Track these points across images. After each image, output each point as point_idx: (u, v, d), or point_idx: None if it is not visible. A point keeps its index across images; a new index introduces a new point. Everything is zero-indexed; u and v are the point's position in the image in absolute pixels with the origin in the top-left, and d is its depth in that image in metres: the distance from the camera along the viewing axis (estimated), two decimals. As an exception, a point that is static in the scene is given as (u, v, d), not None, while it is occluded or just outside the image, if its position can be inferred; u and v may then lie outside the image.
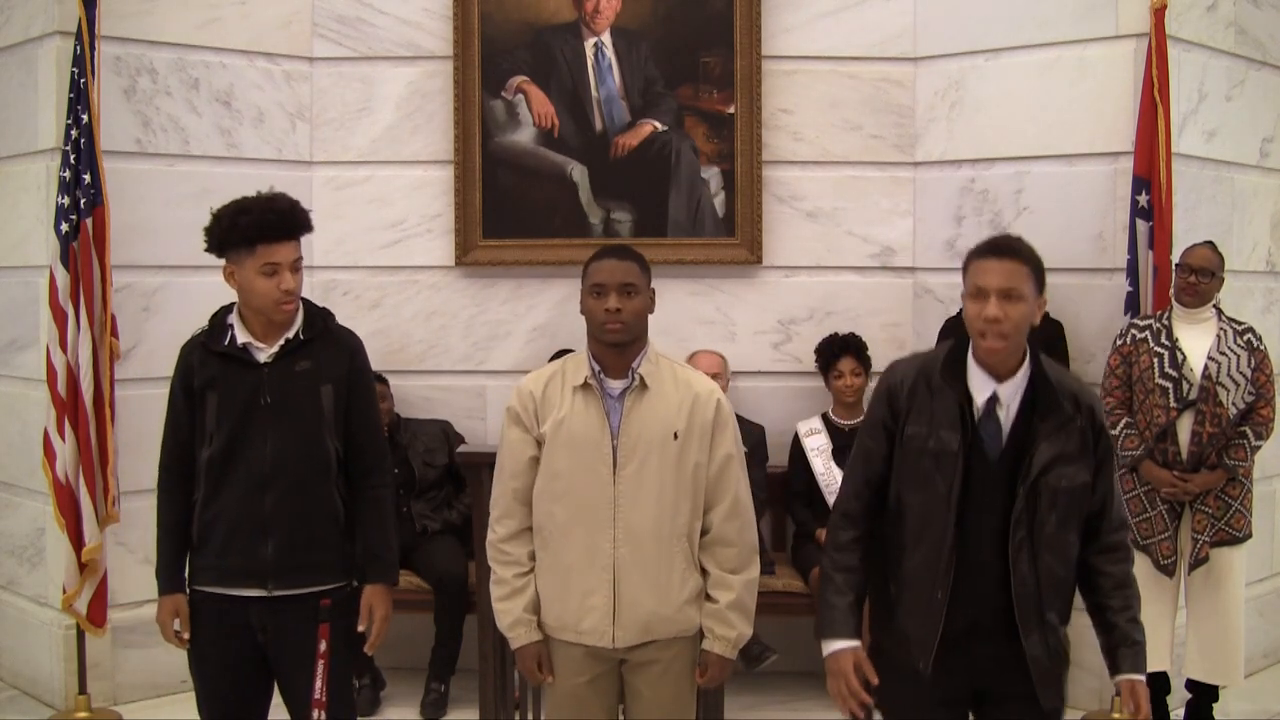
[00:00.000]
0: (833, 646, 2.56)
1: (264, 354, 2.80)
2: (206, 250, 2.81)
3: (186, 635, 2.83)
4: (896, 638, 2.59)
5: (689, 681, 2.80)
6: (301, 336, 2.83)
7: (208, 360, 2.81)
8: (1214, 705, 4.13)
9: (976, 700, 2.61)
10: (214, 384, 2.79)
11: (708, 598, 2.75)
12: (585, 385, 2.72)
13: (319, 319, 2.89)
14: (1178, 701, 4.18)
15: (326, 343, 2.86)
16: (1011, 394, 2.50)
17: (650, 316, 2.77)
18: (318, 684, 2.76)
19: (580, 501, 2.69)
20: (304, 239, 2.84)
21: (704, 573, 2.76)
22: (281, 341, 2.81)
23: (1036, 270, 2.52)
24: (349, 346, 2.92)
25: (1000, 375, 2.50)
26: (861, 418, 4.63)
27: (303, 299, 2.86)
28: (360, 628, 2.88)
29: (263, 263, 2.72)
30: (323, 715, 2.76)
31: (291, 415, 2.79)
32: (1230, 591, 3.96)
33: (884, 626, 2.65)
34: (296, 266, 2.79)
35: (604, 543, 2.68)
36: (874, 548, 2.62)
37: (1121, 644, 2.54)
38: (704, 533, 2.75)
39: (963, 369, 2.53)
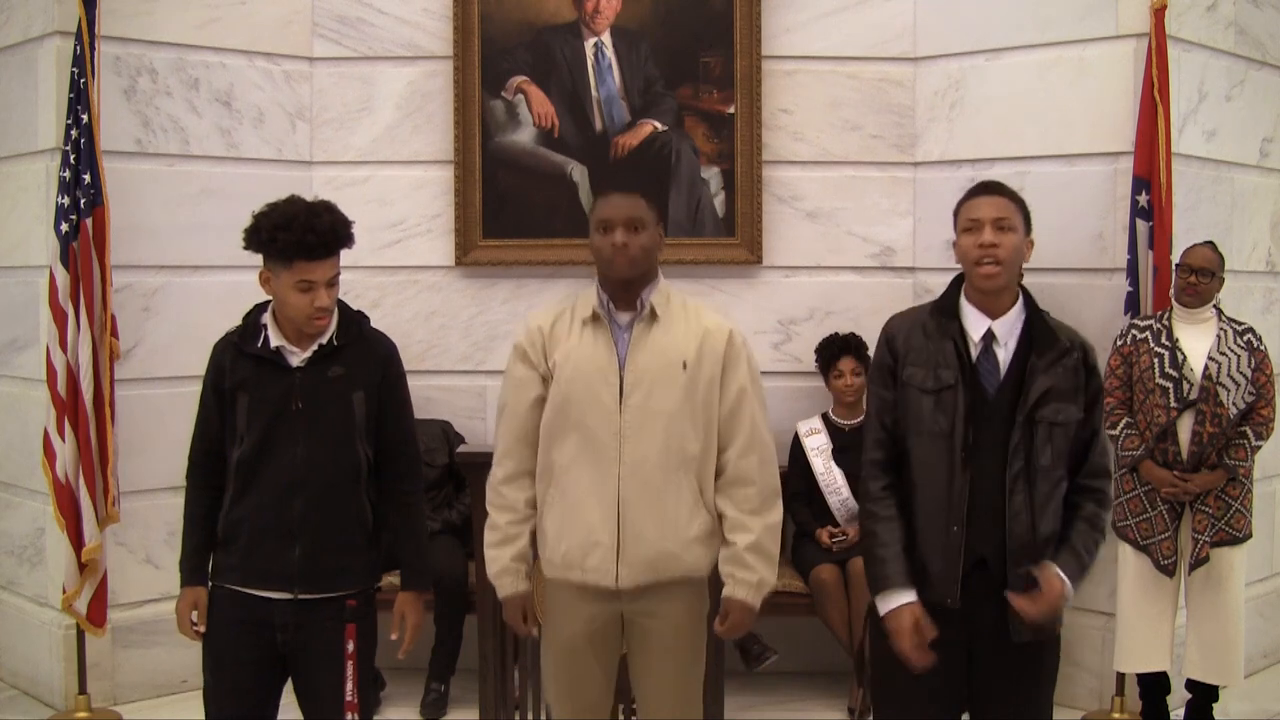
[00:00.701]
0: (888, 603, 2.58)
1: (297, 358, 2.77)
2: (245, 248, 2.78)
3: (203, 628, 2.82)
4: (918, 577, 2.60)
5: (696, 637, 2.74)
6: (335, 342, 2.80)
7: (240, 361, 2.79)
8: (1214, 705, 4.13)
9: (971, 650, 2.61)
10: (245, 385, 2.77)
11: (725, 542, 2.68)
12: (594, 317, 2.69)
13: (354, 324, 2.86)
14: (1177, 701, 4.19)
15: (360, 349, 2.84)
16: (1007, 330, 2.60)
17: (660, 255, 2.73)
18: (349, 685, 2.74)
19: (587, 433, 2.64)
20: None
21: (722, 516, 2.69)
22: (315, 347, 2.78)
23: (1023, 209, 2.63)
24: (383, 353, 2.90)
25: (994, 313, 2.59)
26: (861, 417, 4.65)
27: (339, 301, 2.84)
28: (393, 635, 2.87)
29: (298, 279, 2.70)
30: (356, 717, 2.75)
31: (323, 422, 2.77)
32: (1230, 591, 3.96)
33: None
34: (333, 283, 2.76)
35: (609, 476, 2.63)
36: (903, 497, 2.65)
37: (1064, 550, 2.56)
38: (721, 473, 2.69)
39: (957, 310, 2.63)
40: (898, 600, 2.57)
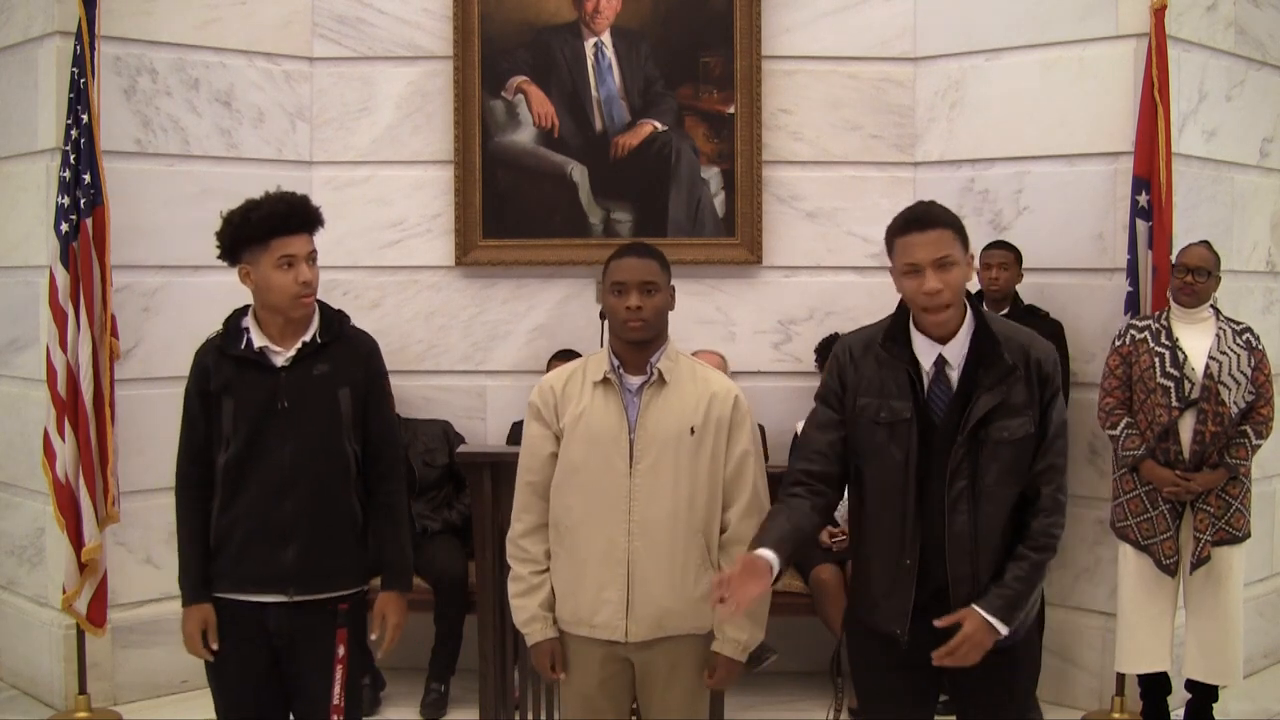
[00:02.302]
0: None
1: (281, 358, 2.77)
2: (219, 257, 2.79)
3: (215, 645, 2.79)
4: (868, 607, 2.60)
5: (700, 683, 2.80)
6: (319, 340, 2.81)
7: (223, 364, 2.79)
8: (1214, 705, 4.12)
9: (947, 671, 2.57)
10: (230, 388, 2.77)
11: (720, 599, 2.74)
12: (605, 380, 2.74)
13: (335, 322, 2.87)
14: (1177, 701, 4.18)
15: (343, 346, 2.85)
16: (957, 352, 2.51)
17: (671, 314, 2.77)
18: (336, 689, 2.75)
19: (596, 495, 2.70)
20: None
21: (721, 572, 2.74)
22: (299, 345, 2.78)
23: (959, 231, 2.52)
24: (366, 349, 2.90)
25: (944, 338, 2.52)
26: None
27: (319, 301, 2.84)
28: (373, 635, 2.87)
29: (278, 256, 2.71)
30: None
31: (309, 420, 2.77)
32: (1230, 591, 3.96)
33: (858, 593, 2.68)
34: (313, 259, 2.77)
35: (619, 536, 2.69)
36: (825, 507, 2.59)
37: (995, 584, 2.48)
38: (721, 532, 2.75)
39: (906, 337, 2.55)
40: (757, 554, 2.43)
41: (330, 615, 2.78)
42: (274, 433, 2.74)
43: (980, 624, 2.44)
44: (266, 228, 2.71)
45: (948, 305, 2.46)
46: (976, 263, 3.69)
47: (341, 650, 2.77)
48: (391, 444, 2.94)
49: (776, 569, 2.42)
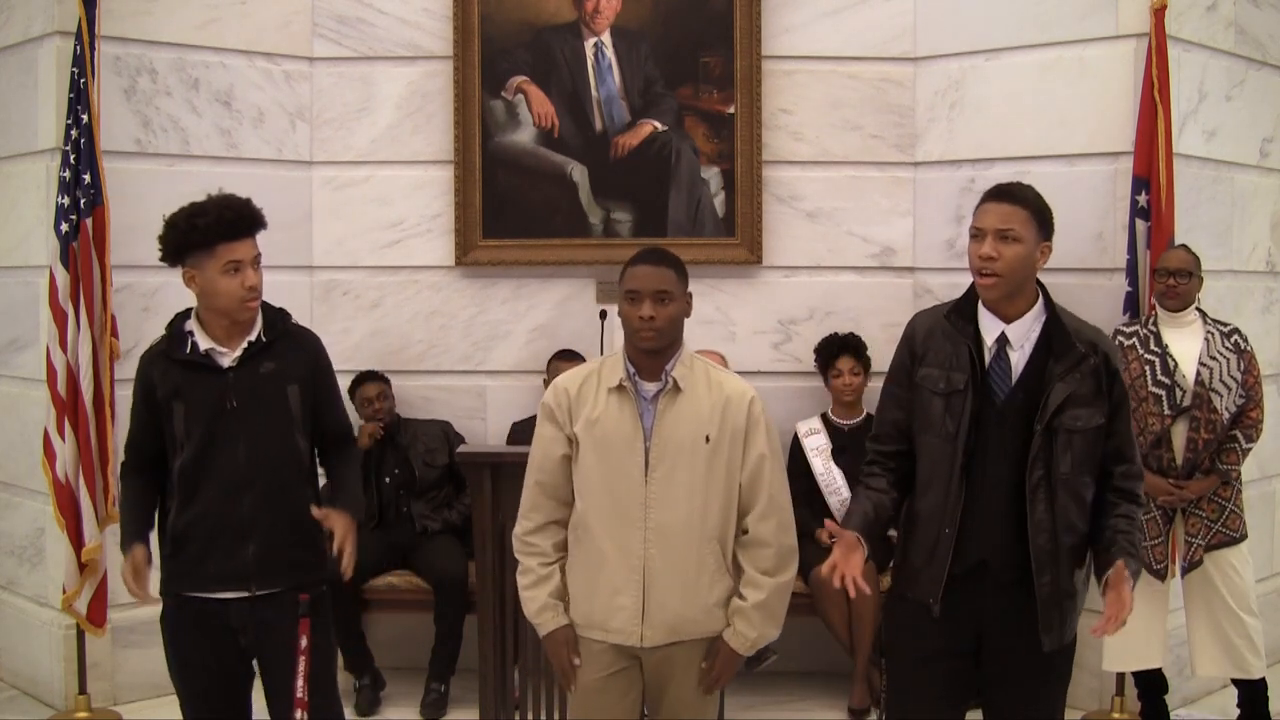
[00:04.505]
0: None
1: (228, 359, 2.81)
2: (161, 259, 2.82)
3: (146, 589, 2.81)
4: (908, 576, 2.67)
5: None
6: (264, 339, 2.84)
7: (170, 370, 2.81)
8: (1267, 698, 4.07)
9: (979, 651, 2.63)
10: (179, 393, 2.80)
11: (738, 595, 2.74)
12: (620, 387, 2.72)
13: (279, 320, 2.90)
14: (1177, 701, 4.18)
15: (289, 343, 2.89)
16: (1022, 335, 2.59)
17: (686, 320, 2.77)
18: (299, 683, 2.75)
19: (612, 501, 2.70)
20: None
21: (739, 572, 2.75)
22: (244, 345, 2.81)
23: (1038, 215, 2.61)
24: (311, 345, 2.95)
25: (1008, 317, 2.59)
26: (860, 417, 4.66)
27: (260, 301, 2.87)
28: (335, 551, 2.81)
29: (224, 262, 2.74)
30: (305, 716, 2.75)
31: (260, 418, 2.80)
32: (1236, 587, 3.94)
33: (900, 565, 2.74)
34: (257, 263, 2.80)
35: (634, 543, 2.68)
36: (900, 480, 2.69)
37: (1129, 555, 2.51)
38: (742, 533, 2.76)
39: (974, 313, 2.63)
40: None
41: (291, 607, 2.78)
42: (226, 433, 2.77)
43: (1129, 595, 2.47)
44: (213, 234, 2.73)
45: (998, 274, 2.54)
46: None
47: (304, 641, 2.77)
48: (342, 426, 3.02)
49: (864, 545, 2.55)
